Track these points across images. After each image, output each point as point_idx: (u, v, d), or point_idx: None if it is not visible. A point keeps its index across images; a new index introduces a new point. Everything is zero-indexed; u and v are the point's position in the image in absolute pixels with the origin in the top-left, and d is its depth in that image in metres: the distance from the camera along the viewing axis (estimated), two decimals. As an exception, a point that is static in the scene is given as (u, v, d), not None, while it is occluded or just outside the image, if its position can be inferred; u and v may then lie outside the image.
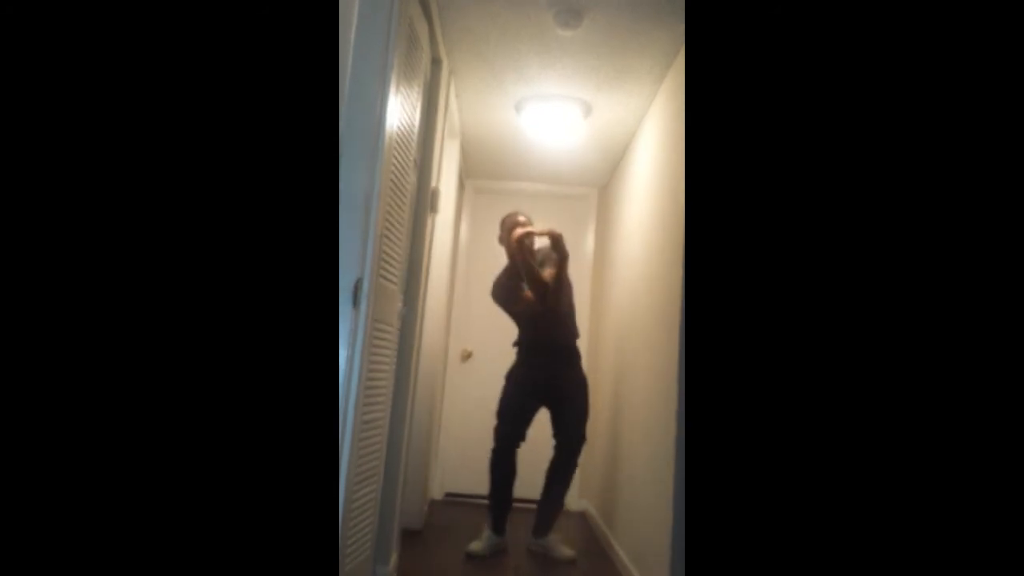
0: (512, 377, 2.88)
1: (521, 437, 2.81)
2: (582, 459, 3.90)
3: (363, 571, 1.79)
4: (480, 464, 2.84)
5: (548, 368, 2.82)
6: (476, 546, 2.71)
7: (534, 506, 2.93)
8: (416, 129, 2.10)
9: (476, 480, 3.62)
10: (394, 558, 2.25)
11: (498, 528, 2.79)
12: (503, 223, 2.91)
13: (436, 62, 2.51)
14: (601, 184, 4.14)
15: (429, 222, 2.51)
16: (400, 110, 1.78)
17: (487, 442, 2.84)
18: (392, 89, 1.63)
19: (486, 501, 2.89)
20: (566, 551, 2.75)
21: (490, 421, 2.85)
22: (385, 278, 1.77)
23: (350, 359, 1.48)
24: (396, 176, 1.80)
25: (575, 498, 3.91)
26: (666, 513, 1.99)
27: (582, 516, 3.72)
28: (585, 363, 4.00)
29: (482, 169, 4.08)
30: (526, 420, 2.82)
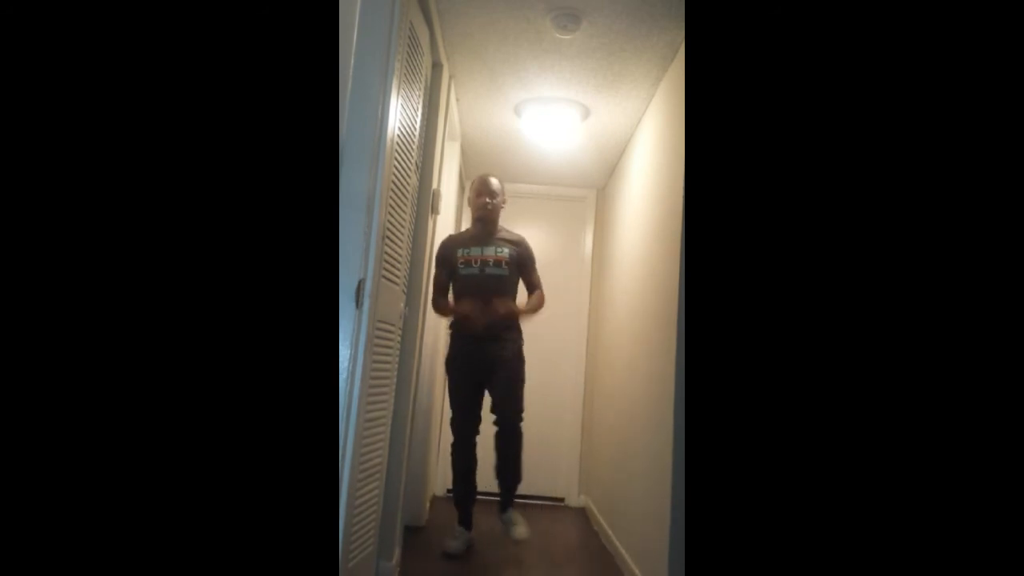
0: (450, 365, 2.81)
1: (475, 425, 2.76)
2: (581, 454, 3.95)
3: (366, 566, 1.82)
4: (481, 461, 2.86)
5: (484, 348, 2.73)
6: (453, 545, 2.68)
7: (524, 501, 2.92)
8: (417, 132, 2.14)
9: (477, 477, 3.64)
10: (397, 553, 2.28)
11: (465, 522, 2.76)
12: (472, 184, 2.92)
13: (437, 66, 2.55)
14: (599, 186, 4.18)
15: (430, 223, 2.55)
16: (401, 113, 1.81)
17: (485, 439, 2.84)
18: (393, 93, 1.66)
19: (485, 497, 2.89)
20: (519, 531, 2.69)
21: (489, 418, 2.84)
22: (388, 278, 1.80)
23: (353, 358, 1.51)
24: (398, 178, 1.83)
25: (575, 494, 3.95)
26: (665, 509, 2.02)
27: (583, 512, 3.75)
28: (584, 363, 4.06)
29: (482, 171, 4.10)
30: (475, 404, 2.76)
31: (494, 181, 2.87)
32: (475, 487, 2.81)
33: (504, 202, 2.92)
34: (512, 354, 2.76)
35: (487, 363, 2.74)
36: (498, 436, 2.75)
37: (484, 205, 2.77)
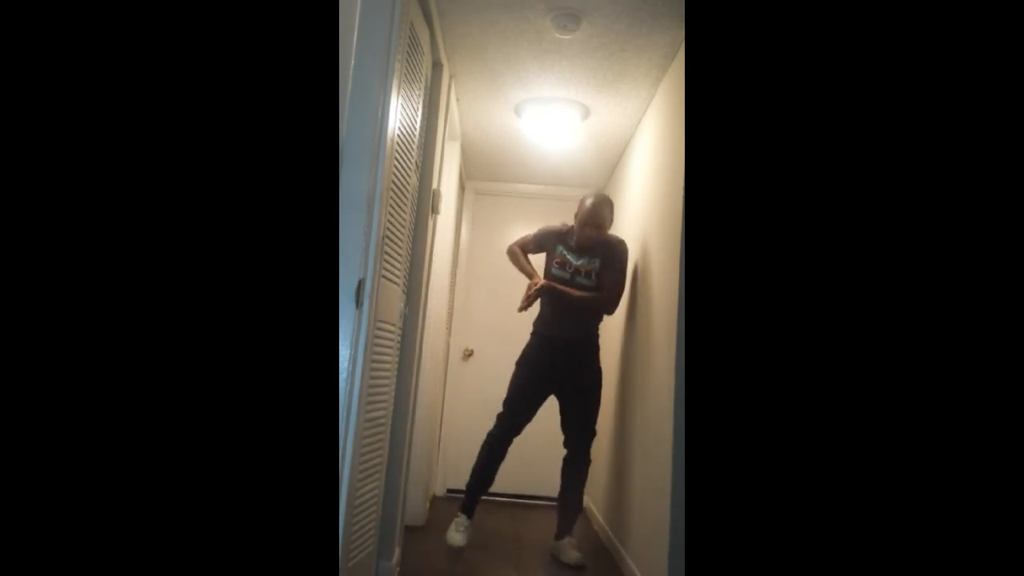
0: (524, 362, 2.80)
1: (522, 425, 2.75)
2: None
3: (366, 566, 1.82)
4: (509, 461, 2.81)
5: (563, 357, 2.75)
6: (458, 539, 2.65)
7: (526, 501, 2.91)
8: (417, 132, 2.14)
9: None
10: (397, 553, 2.28)
11: (469, 510, 2.73)
12: (582, 206, 2.79)
13: (437, 66, 2.55)
14: (599, 185, 4.18)
15: (430, 223, 2.55)
16: (402, 113, 1.81)
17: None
18: (394, 93, 1.66)
19: (487, 497, 2.86)
20: (573, 555, 2.66)
21: (491, 418, 2.83)
22: (387, 278, 1.80)
23: (353, 358, 1.51)
24: (398, 178, 1.83)
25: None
26: (665, 508, 2.02)
27: (583, 512, 3.74)
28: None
29: (482, 171, 4.12)
30: (533, 408, 2.76)
31: (605, 212, 2.77)
32: (493, 481, 2.77)
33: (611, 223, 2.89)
34: (596, 374, 2.79)
35: (568, 374, 2.76)
36: (569, 462, 2.76)
37: (589, 236, 2.76)
